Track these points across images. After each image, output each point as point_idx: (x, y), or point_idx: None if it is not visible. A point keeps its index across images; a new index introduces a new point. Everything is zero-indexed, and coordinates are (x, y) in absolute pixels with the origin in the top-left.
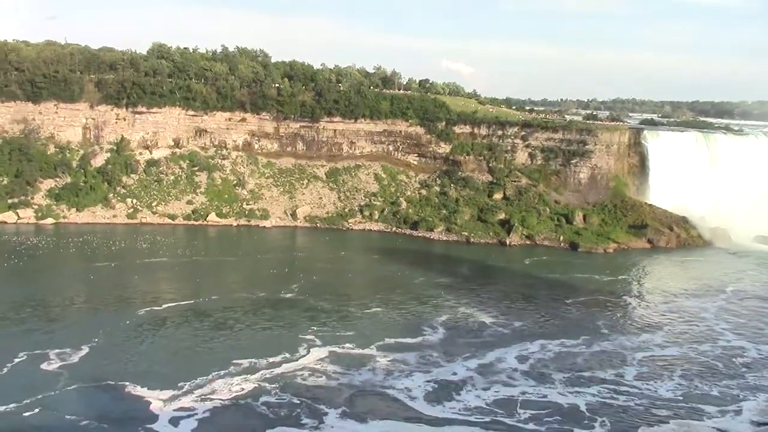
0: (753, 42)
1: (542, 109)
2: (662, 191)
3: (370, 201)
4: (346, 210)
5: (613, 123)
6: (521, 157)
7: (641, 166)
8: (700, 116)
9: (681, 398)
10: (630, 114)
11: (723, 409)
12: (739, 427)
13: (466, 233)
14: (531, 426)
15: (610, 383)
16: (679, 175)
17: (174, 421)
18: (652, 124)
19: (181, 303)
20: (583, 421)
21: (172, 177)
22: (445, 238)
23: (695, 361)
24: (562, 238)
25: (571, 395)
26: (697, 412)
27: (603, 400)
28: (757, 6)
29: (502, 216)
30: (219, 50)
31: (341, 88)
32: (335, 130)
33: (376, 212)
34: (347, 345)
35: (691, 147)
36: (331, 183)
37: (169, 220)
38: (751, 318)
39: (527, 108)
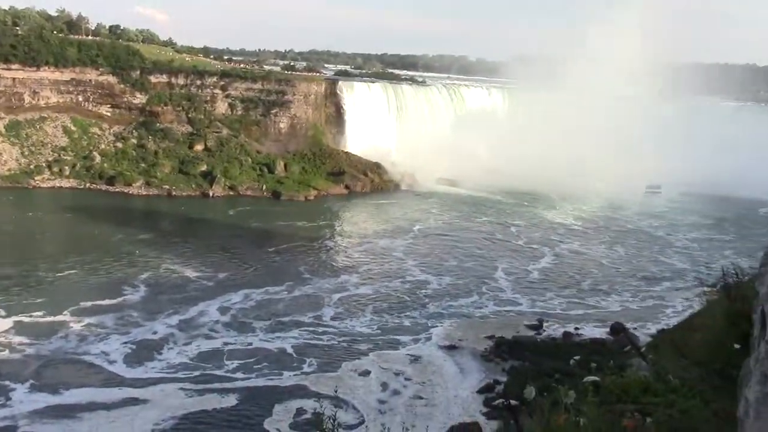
0: None
1: (241, 59)
2: (357, 139)
3: (60, 156)
4: (32, 167)
5: (310, 74)
6: (221, 107)
7: (338, 116)
8: (388, 68)
9: (378, 332)
10: (326, 65)
11: (415, 338)
12: (430, 350)
13: (167, 186)
14: (240, 374)
15: (312, 325)
16: (372, 123)
17: None
18: (346, 75)
19: None
20: (291, 363)
21: None
22: (145, 193)
23: (387, 297)
24: (264, 187)
25: (277, 341)
26: (392, 343)
27: (307, 341)
28: None
29: (204, 168)
30: None
31: (19, 32)
32: (14, 79)
33: (66, 168)
34: (36, 313)
35: (382, 97)
36: (12, 137)
37: None
38: (433, 253)
39: (225, 58)
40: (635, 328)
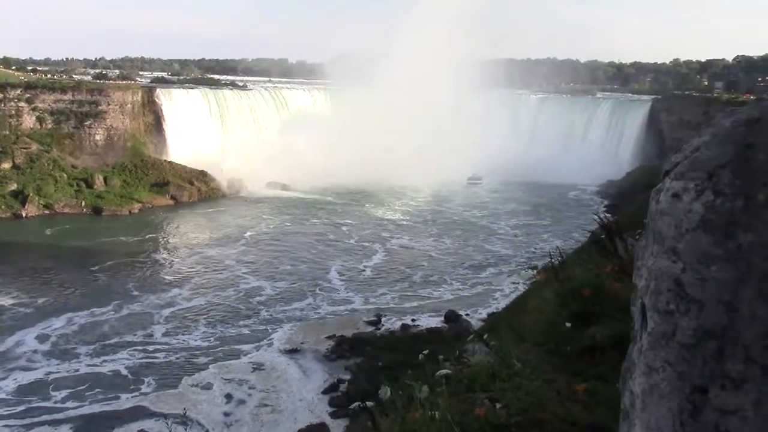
0: (249, 2)
1: (47, 69)
2: (180, 147)
3: None
4: None
5: (124, 82)
6: (29, 121)
7: (157, 124)
8: (207, 73)
9: (216, 343)
10: (141, 73)
11: (256, 345)
12: (272, 356)
13: None
14: (72, 403)
15: (145, 343)
16: (195, 130)
17: None
18: (163, 82)
19: None
20: (128, 385)
21: None
22: None
23: (222, 307)
24: (84, 203)
25: (108, 364)
26: (233, 353)
27: (141, 361)
28: None
29: (14, 187)
30: None
31: None
32: None
33: None
34: None
35: (203, 103)
36: None
37: None
38: (266, 259)
39: (30, 68)
40: (468, 314)
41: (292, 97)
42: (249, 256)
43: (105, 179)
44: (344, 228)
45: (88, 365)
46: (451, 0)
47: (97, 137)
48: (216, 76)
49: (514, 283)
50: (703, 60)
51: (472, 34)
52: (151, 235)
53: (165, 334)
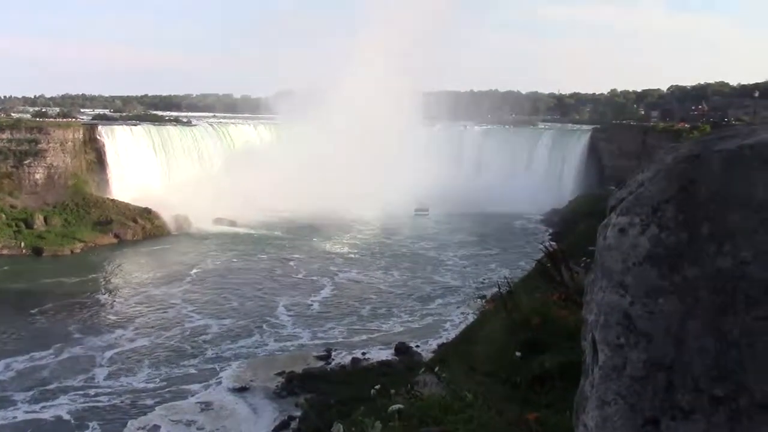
0: (192, 38)
1: None
2: (124, 185)
3: None
4: None
5: (65, 120)
6: None
7: (100, 162)
8: (150, 109)
9: (162, 384)
10: (82, 110)
11: (204, 384)
12: (221, 395)
13: None
14: None
15: (87, 387)
16: (138, 167)
17: None
18: (105, 119)
19: None
20: (71, 431)
21: None
22: None
23: (167, 347)
24: (23, 244)
25: (49, 410)
26: (180, 393)
27: (84, 405)
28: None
29: None
30: None
31: None
32: None
33: None
34: None
35: (146, 139)
36: None
37: None
38: (212, 297)
39: None
40: (418, 346)
41: (238, 132)
42: (195, 294)
43: (45, 219)
44: (292, 263)
45: (27, 412)
46: (392, 34)
47: (37, 176)
48: (159, 113)
49: (463, 313)
50: (639, 90)
51: (416, 67)
52: (93, 275)
53: (108, 377)
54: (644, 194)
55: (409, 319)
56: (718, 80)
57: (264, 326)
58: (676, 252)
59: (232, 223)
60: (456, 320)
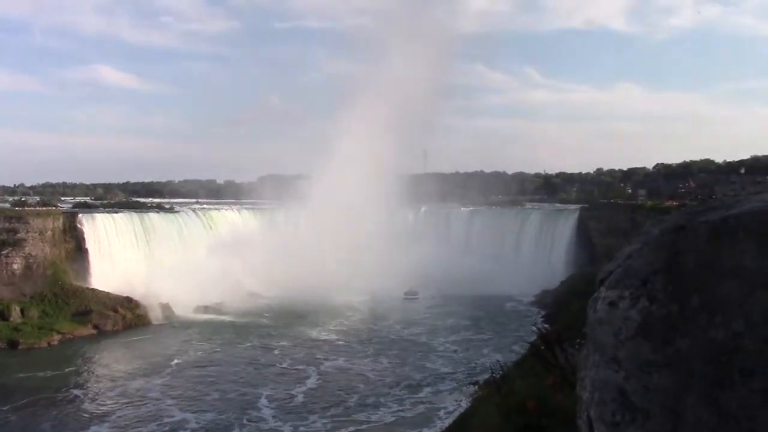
0: (173, 124)
1: None
2: (104, 274)
3: None
4: None
5: (44, 208)
6: None
7: (79, 251)
8: (132, 197)
9: None
10: (62, 198)
11: None
12: None
13: None
14: None
15: None
16: (120, 255)
17: None
18: (86, 207)
19: None
20: None
21: None
22: None
23: None
24: None
25: None
26: None
27: None
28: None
29: None
30: None
31: None
32: None
33: None
34: None
35: (128, 227)
36: None
37: None
38: (192, 389)
39: None
40: None
41: (221, 217)
42: (174, 387)
43: (22, 310)
44: (276, 351)
45: None
46: (376, 116)
47: (15, 266)
48: (141, 199)
49: (456, 400)
50: (625, 168)
51: (402, 150)
52: (70, 369)
53: None
54: (633, 266)
55: (400, 408)
56: (703, 157)
57: (244, 419)
58: (668, 324)
59: (217, 311)
60: (450, 408)
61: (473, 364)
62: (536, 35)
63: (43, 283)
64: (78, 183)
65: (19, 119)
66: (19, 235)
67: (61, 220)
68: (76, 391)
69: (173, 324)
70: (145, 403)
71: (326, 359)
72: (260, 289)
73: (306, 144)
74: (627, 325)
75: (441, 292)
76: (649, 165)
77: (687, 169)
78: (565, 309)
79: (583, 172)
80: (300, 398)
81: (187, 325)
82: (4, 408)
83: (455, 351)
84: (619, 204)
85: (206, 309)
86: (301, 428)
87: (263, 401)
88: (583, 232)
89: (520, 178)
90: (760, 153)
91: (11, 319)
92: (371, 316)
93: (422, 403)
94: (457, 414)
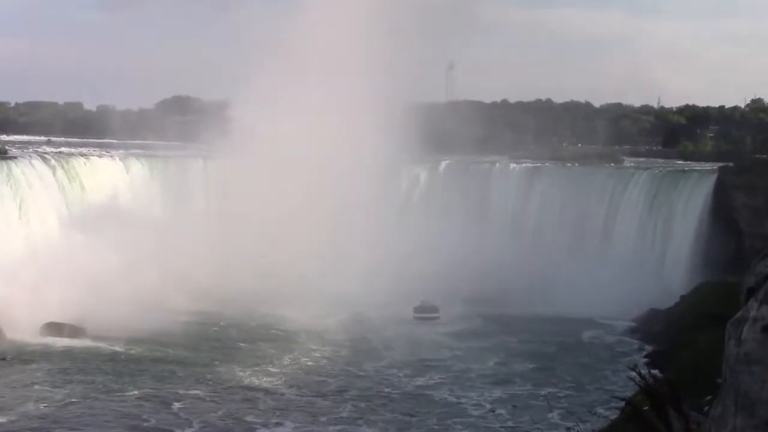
0: (7, 10)
1: None
2: None
3: None
4: None
5: None
6: None
7: None
8: None
9: None
10: None
11: None
12: None
13: None
14: None
15: None
16: None
17: None
18: None
19: None
20: None
21: None
22: None
23: None
24: None
25: None
26: None
27: None
28: None
29: None
30: None
31: None
32: None
33: None
34: None
35: None
36: None
37: None
38: None
39: None
40: None
41: (92, 169)
42: None
43: None
44: (177, 406)
45: None
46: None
47: None
48: None
49: None
50: None
51: (408, 61)
52: None
53: None
54: None
55: None
56: None
57: None
58: None
59: (77, 331)
60: None
61: None
62: None
63: None
64: None
65: None
66: None
67: None
68: None
69: (4, 353)
70: None
71: (264, 425)
72: (164, 296)
73: (238, 45)
74: None
75: (475, 309)
76: None
77: None
78: (686, 343)
79: (727, 105)
80: None
81: (26, 356)
82: None
83: (497, 415)
84: None
85: (64, 330)
86: None
87: None
88: (721, 210)
89: (615, 113)
90: None
91: None
92: (352, 350)
93: None
94: None
